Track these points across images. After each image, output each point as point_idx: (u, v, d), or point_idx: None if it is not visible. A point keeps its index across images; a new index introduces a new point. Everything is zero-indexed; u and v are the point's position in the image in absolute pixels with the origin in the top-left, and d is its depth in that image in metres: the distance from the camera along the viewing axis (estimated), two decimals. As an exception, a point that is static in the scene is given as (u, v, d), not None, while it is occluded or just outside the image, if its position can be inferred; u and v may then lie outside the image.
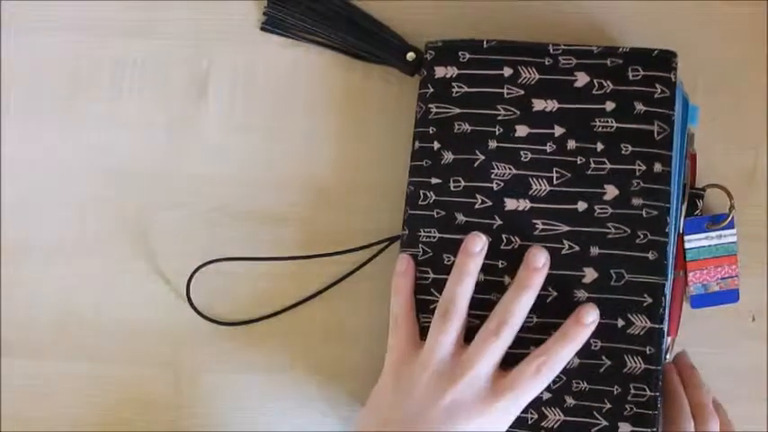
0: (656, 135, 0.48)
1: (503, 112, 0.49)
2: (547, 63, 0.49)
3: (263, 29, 0.54)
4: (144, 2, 0.55)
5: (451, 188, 0.49)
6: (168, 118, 0.55)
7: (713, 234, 0.52)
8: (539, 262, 0.47)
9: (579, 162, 0.48)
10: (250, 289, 0.54)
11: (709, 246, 0.52)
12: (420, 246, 0.49)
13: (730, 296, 0.52)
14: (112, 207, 0.55)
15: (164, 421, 0.54)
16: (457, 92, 0.50)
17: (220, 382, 0.54)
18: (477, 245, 0.47)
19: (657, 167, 0.47)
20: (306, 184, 0.54)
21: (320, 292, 0.54)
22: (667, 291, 0.47)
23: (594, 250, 0.48)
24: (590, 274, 0.48)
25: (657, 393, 0.47)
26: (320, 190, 0.54)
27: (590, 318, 0.46)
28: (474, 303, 0.48)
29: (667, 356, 0.51)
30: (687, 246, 0.52)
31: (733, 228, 0.52)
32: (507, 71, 0.49)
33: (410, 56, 0.52)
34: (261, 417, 0.54)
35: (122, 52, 0.55)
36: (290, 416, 0.54)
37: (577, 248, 0.48)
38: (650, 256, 0.47)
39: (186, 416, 0.54)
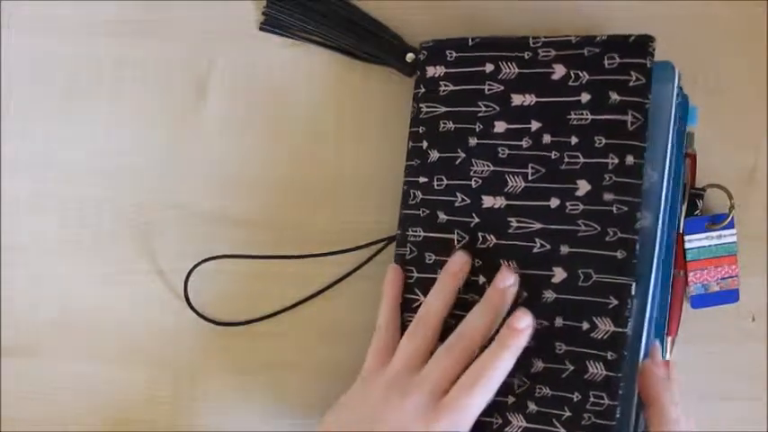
0: (629, 125, 0.45)
1: (483, 108, 0.49)
2: (526, 57, 0.48)
3: (261, 29, 0.54)
4: (144, 2, 0.55)
5: (435, 187, 0.49)
6: (168, 118, 0.55)
7: (713, 234, 0.52)
8: (506, 282, 0.46)
9: (554, 157, 0.47)
10: (250, 289, 0.54)
11: (710, 246, 0.52)
12: (408, 245, 0.50)
13: (730, 296, 0.52)
14: (112, 207, 0.55)
15: (163, 421, 0.54)
16: (444, 90, 0.50)
17: (220, 382, 0.54)
18: (457, 264, 0.47)
19: (629, 160, 0.45)
20: (305, 184, 0.54)
21: (320, 292, 0.54)
22: (634, 292, 0.45)
23: (565, 249, 0.46)
24: (559, 274, 0.46)
25: (616, 403, 0.44)
26: (320, 190, 0.54)
27: (522, 323, 0.44)
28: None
29: (667, 357, 0.51)
30: (687, 246, 0.52)
31: (733, 228, 0.52)
32: (489, 67, 0.49)
33: (409, 57, 0.52)
34: (260, 417, 0.54)
35: (122, 52, 0.55)
36: (290, 416, 0.54)
37: (548, 247, 0.46)
38: (618, 254, 0.45)
39: (186, 416, 0.54)
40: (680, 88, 0.51)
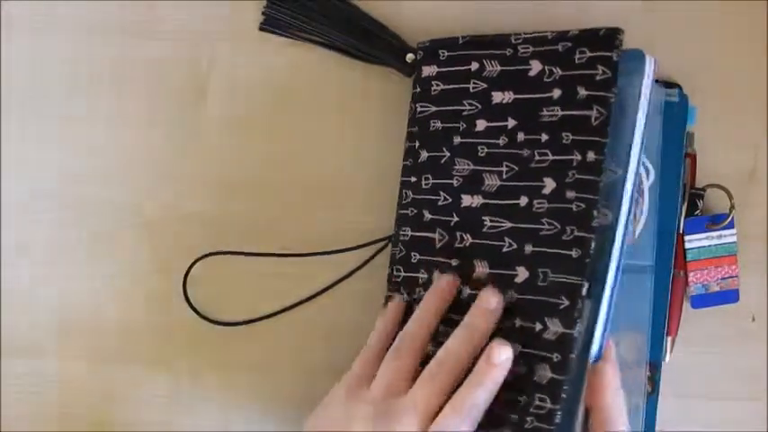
0: (593, 120, 0.43)
1: (467, 107, 0.48)
2: (508, 54, 0.47)
3: (261, 29, 0.54)
4: (144, 2, 0.55)
5: (423, 186, 0.49)
6: (168, 118, 0.55)
7: (713, 234, 0.52)
8: (489, 304, 0.44)
9: (525, 155, 0.46)
10: (250, 289, 0.54)
11: (710, 246, 0.52)
12: (399, 245, 0.50)
13: (730, 296, 0.52)
14: (112, 207, 0.55)
15: (162, 421, 0.54)
16: (435, 90, 0.50)
17: (220, 382, 0.54)
18: (443, 285, 0.46)
19: (590, 156, 0.43)
20: (305, 184, 0.54)
21: (320, 293, 0.54)
22: (585, 292, 0.43)
23: (528, 248, 0.45)
24: (522, 274, 0.45)
25: (558, 407, 0.42)
26: (320, 189, 0.54)
27: (500, 356, 0.43)
28: None
29: (667, 357, 0.51)
30: (687, 246, 0.52)
31: (733, 228, 0.52)
32: (474, 65, 0.48)
33: (409, 57, 0.52)
34: (260, 417, 0.54)
35: (122, 52, 0.55)
36: (290, 416, 0.54)
37: (515, 246, 0.45)
38: (573, 253, 0.43)
39: (185, 416, 0.54)
40: (678, 87, 0.51)
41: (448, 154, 0.48)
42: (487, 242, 0.46)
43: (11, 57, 0.55)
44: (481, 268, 0.46)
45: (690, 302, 0.52)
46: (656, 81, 0.51)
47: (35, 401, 0.55)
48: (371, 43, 0.53)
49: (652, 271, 0.49)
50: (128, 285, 0.55)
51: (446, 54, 0.50)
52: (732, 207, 0.51)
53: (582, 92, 0.44)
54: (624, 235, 0.44)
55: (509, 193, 0.46)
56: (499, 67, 0.47)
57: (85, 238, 0.55)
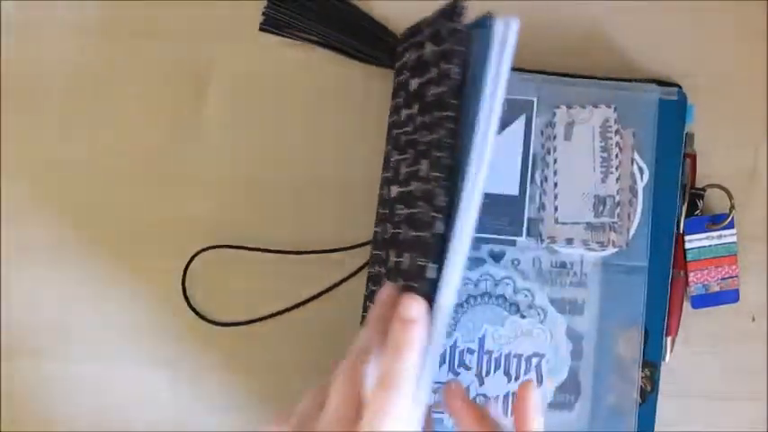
0: (444, 96, 0.42)
1: (400, 98, 0.48)
2: (419, 40, 0.47)
3: (261, 29, 0.54)
4: (144, 1, 0.55)
5: (381, 181, 0.50)
6: (168, 118, 0.55)
7: (713, 234, 0.52)
8: (410, 313, 0.39)
9: (418, 139, 0.44)
10: (250, 289, 0.54)
11: (710, 246, 0.52)
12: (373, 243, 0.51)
13: (730, 296, 0.52)
14: (112, 207, 0.55)
15: (164, 421, 0.54)
16: (395, 84, 0.50)
17: (220, 382, 0.54)
18: (376, 309, 0.42)
19: (441, 133, 0.41)
20: (305, 184, 0.54)
21: (321, 293, 0.54)
22: (432, 275, 0.39)
23: (411, 233, 0.43)
24: (405, 260, 0.42)
25: None
26: (320, 189, 0.54)
27: (411, 311, 0.38)
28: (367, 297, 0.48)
29: (666, 357, 0.51)
30: (687, 246, 0.52)
31: (733, 228, 0.52)
32: (406, 56, 0.49)
33: (409, 56, 0.52)
34: (260, 417, 0.54)
35: (123, 52, 0.55)
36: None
37: (410, 233, 0.43)
38: (427, 234, 0.40)
39: (186, 416, 0.54)
40: (678, 87, 0.51)
41: (390, 147, 0.49)
42: (395, 230, 0.46)
43: (11, 57, 0.55)
44: (392, 258, 0.45)
45: (690, 302, 0.52)
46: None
47: (35, 402, 0.55)
48: (371, 43, 0.53)
49: (646, 271, 0.49)
50: (128, 285, 0.55)
51: (400, 48, 0.50)
52: (732, 207, 0.51)
53: (443, 67, 0.42)
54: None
55: (407, 179, 0.45)
56: (414, 54, 0.47)
57: (86, 238, 0.55)
